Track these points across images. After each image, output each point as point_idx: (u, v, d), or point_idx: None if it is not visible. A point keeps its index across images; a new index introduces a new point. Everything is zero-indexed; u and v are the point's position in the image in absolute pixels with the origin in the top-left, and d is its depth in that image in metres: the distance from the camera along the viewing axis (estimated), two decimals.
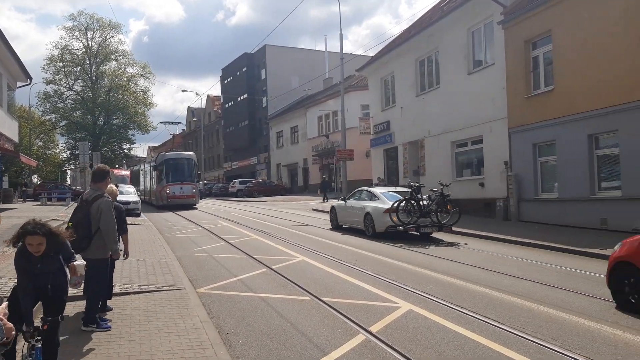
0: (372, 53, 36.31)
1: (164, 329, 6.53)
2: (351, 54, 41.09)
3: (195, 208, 32.54)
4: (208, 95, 77.88)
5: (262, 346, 6.12)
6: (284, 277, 10.10)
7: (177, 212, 28.43)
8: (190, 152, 37.91)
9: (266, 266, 11.33)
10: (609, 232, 15.40)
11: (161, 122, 53.64)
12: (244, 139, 65.90)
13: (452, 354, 5.71)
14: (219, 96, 76.27)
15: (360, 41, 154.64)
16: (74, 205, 22.23)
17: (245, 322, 7.14)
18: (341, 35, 33.71)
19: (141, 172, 45.60)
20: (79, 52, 63.41)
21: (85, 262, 5.34)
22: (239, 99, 66.65)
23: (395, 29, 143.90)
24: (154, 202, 36.04)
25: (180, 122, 49.82)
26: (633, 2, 14.95)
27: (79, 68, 63.78)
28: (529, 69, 19.44)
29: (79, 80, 64.30)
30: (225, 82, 71.00)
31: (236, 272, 10.81)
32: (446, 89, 24.31)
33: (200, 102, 68.98)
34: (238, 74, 67.29)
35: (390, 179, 29.84)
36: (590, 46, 16.43)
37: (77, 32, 62.69)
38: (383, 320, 6.96)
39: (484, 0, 20.80)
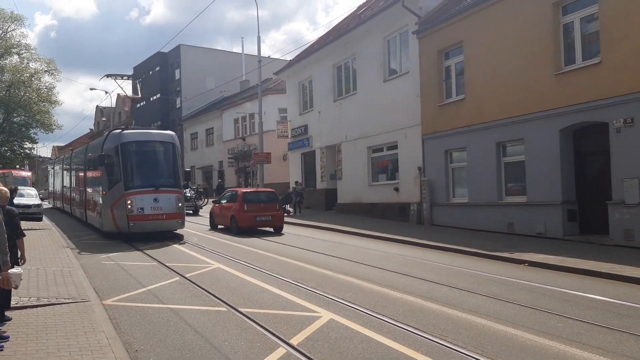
0: (289, 57, 36.14)
1: (65, 348, 5.93)
2: (269, 57, 40.69)
3: (182, 240, 16.90)
4: (118, 95, 74.58)
5: None
6: (198, 286, 9.65)
7: (147, 251, 14.44)
8: (169, 132, 19.60)
9: (179, 274, 10.81)
10: (515, 235, 16.12)
11: (107, 75, 25.31)
12: None
13: None
14: (130, 96, 73.22)
15: (277, 45, 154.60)
16: None
17: (156, 337, 6.66)
18: (259, 37, 33.33)
19: (62, 171, 30.11)
20: None
21: (22, 271, 4.39)
22: (151, 99, 64.32)
23: (312, 35, 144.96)
24: (95, 224, 19.45)
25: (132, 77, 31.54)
26: (538, 17, 15.75)
27: None
28: (441, 78, 20.03)
29: None
30: (138, 81, 68.28)
31: (147, 281, 10.21)
32: (363, 95, 24.60)
33: (110, 101, 65.82)
34: (151, 73, 64.94)
35: (308, 183, 29.81)
36: (498, 58, 17.14)
37: None
38: (304, 331, 6.74)
39: (400, 10, 21.22)
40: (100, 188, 18.19)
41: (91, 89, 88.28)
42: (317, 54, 28.39)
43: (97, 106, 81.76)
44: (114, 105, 70.22)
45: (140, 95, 26.77)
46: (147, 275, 10.86)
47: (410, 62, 21.65)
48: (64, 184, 29.14)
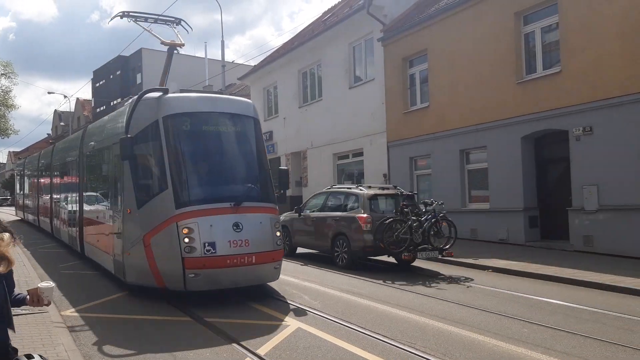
0: (254, 63, 35.97)
1: None
2: (233, 62, 40.48)
3: (287, 303, 8.96)
4: (78, 99, 72.86)
5: None
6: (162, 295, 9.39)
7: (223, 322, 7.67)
8: (242, 99, 11.15)
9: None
10: (479, 242, 16.34)
11: (123, 15, 12.62)
12: None
13: None
14: (89, 99, 71.67)
15: (242, 50, 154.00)
16: None
17: (118, 350, 6.43)
18: (222, 42, 32.84)
19: (38, 173, 23.18)
20: None
21: (53, 285, 3.89)
22: (112, 104, 63.01)
23: (277, 41, 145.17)
24: (106, 265, 11.07)
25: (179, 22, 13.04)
26: (500, 27, 16.05)
27: None
28: (406, 85, 20.22)
29: None
30: (97, 85, 66.93)
31: (109, 291, 9.90)
32: (328, 102, 24.62)
33: (69, 106, 64.18)
34: (111, 77, 63.74)
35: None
36: (461, 66, 17.41)
37: None
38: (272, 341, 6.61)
39: (365, 17, 21.34)
40: (120, 201, 10.00)
41: (49, 93, 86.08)
42: (282, 59, 28.32)
43: (55, 110, 79.70)
44: (72, 110, 68.63)
45: (183, 43, 11.50)
46: (109, 285, 10.49)
47: (375, 69, 21.79)
48: (41, 191, 21.73)
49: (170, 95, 9.66)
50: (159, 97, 9.52)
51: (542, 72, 15.16)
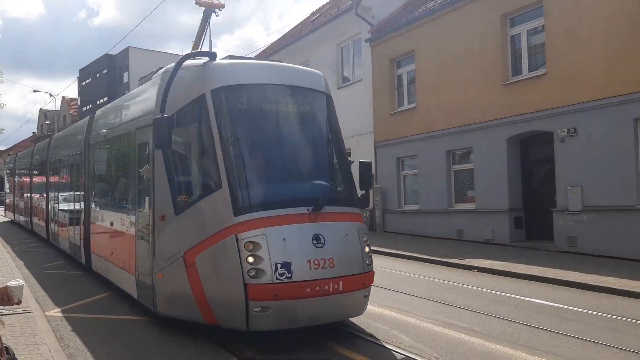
0: None
1: None
2: None
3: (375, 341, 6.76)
4: (63, 97, 72.20)
5: None
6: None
7: None
8: (311, 70, 8.87)
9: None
10: (465, 242, 16.44)
11: None
12: None
13: None
14: (75, 98, 71.07)
15: (231, 50, 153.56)
16: None
17: (102, 350, 6.39)
18: (210, 41, 32.75)
19: (30, 168, 21.49)
20: None
21: (23, 283, 3.65)
22: (98, 102, 62.59)
23: (266, 41, 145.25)
24: (126, 288, 8.66)
25: None
26: (486, 29, 16.16)
27: None
28: (393, 86, 20.30)
29: None
30: (84, 83, 66.40)
31: (94, 291, 9.83)
32: None
33: (54, 104, 63.43)
34: (98, 75, 63.29)
35: None
36: (448, 68, 17.50)
37: None
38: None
39: (353, 18, 21.40)
40: (148, 203, 7.70)
41: (35, 91, 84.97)
42: (270, 59, 28.23)
43: (41, 109, 78.92)
44: (58, 108, 68.03)
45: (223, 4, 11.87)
46: (95, 285, 10.42)
47: (363, 70, 21.84)
48: (35, 191, 19.80)
49: (220, 61, 7.32)
50: (206, 63, 7.17)
51: (528, 74, 15.28)
